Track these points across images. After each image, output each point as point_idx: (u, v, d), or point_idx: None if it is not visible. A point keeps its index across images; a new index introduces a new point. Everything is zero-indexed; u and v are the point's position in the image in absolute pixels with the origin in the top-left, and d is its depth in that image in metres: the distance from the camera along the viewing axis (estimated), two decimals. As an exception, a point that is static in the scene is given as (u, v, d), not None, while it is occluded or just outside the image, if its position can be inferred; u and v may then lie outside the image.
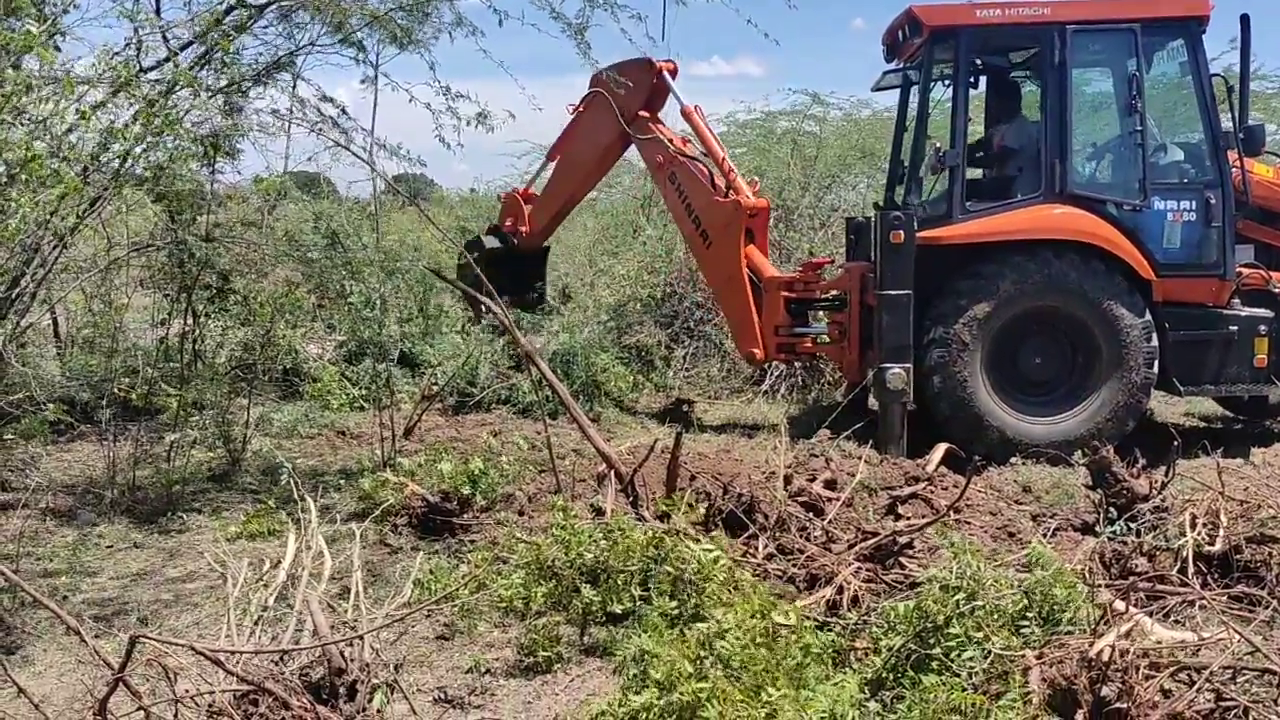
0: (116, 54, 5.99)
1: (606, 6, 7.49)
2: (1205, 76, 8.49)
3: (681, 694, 3.77)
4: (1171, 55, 8.89)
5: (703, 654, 4.06)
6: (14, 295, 5.64)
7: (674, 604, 4.86)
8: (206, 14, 6.51)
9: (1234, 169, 8.52)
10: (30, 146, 4.92)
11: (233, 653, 3.90)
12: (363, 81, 7.22)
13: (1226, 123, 8.56)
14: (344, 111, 7.13)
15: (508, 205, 11.89)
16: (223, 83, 6.59)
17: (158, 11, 6.63)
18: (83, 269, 7.31)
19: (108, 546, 6.58)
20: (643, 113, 10.35)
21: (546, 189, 11.63)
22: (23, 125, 5.10)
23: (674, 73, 10.28)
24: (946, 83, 9.26)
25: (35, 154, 4.90)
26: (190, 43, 6.59)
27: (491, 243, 11.60)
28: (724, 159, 10.17)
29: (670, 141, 10.30)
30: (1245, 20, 8.37)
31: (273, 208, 7.91)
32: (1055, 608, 4.45)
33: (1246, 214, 8.85)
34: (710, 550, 5.08)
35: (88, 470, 8.01)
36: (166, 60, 6.47)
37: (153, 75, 6.32)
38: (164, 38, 6.52)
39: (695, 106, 10.35)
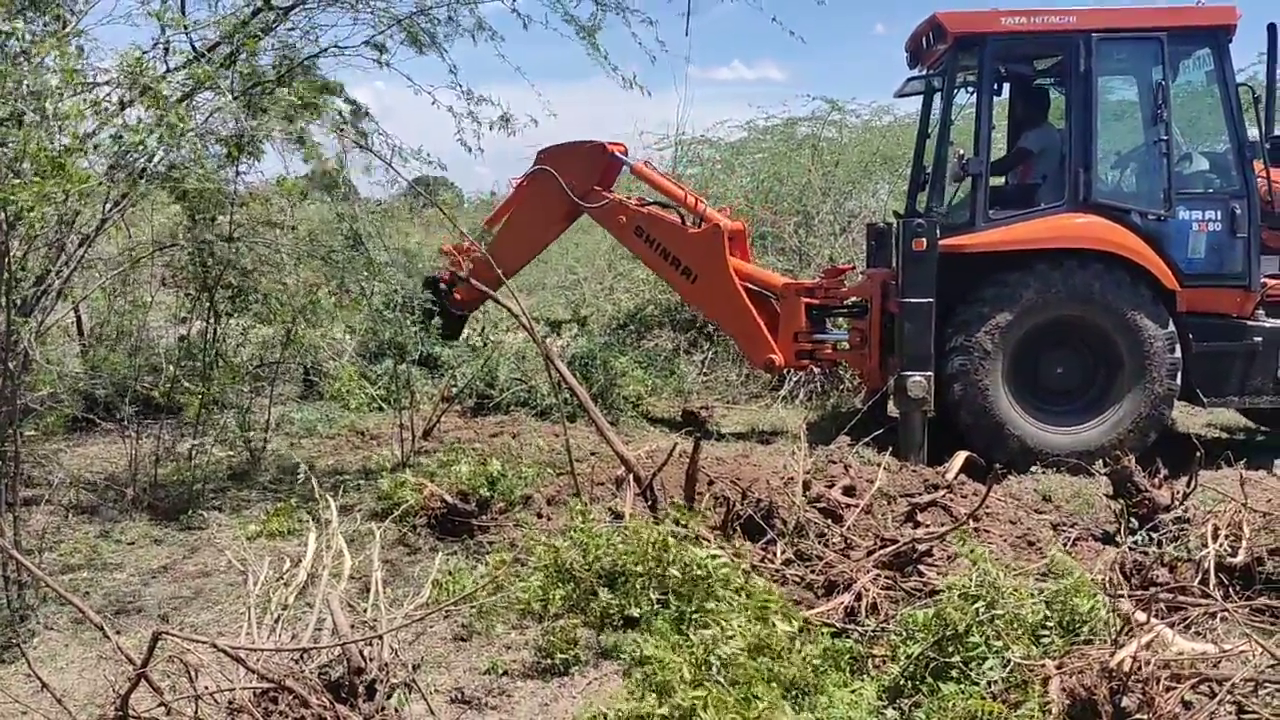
0: (144, 52, 6.02)
1: (618, 10, 7.50)
2: (1231, 86, 8.44)
3: (680, 701, 3.78)
4: (1197, 64, 8.84)
5: (709, 660, 4.06)
6: (40, 292, 5.67)
7: (690, 608, 4.86)
8: (232, 16, 6.54)
9: (1260, 179, 8.47)
10: (47, 145, 4.95)
11: (253, 650, 3.93)
12: (353, 112, 7.13)
13: (1253, 132, 8.52)
14: (366, 113, 7.14)
15: (448, 259, 11.12)
16: (247, 84, 6.61)
17: (182, 11, 6.66)
18: (106, 267, 7.35)
19: (129, 543, 6.62)
20: (596, 188, 10.37)
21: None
22: (45, 124, 5.12)
23: (625, 153, 10.44)
24: (970, 90, 9.24)
25: (55, 152, 4.94)
26: (216, 44, 6.62)
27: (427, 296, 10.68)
28: (685, 195, 10.30)
29: (627, 199, 10.47)
30: (1272, 29, 8.32)
31: (294, 205, 7.92)
32: (1075, 618, 4.44)
33: (1272, 224, 8.77)
34: (717, 556, 5.07)
35: (109, 467, 8.06)
36: (191, 62, 6.51)
37: (179, 76, 6.36)
38: (189, 39, 6.56)
39: (645, 161, 10.56)
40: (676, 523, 5.59)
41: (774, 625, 4.46)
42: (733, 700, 3.81)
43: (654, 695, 3.87)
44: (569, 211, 10.58)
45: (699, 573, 4.97)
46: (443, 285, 10.70)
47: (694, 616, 4.80)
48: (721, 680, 3.95)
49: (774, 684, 4.01)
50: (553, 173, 10.18)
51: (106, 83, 5.67)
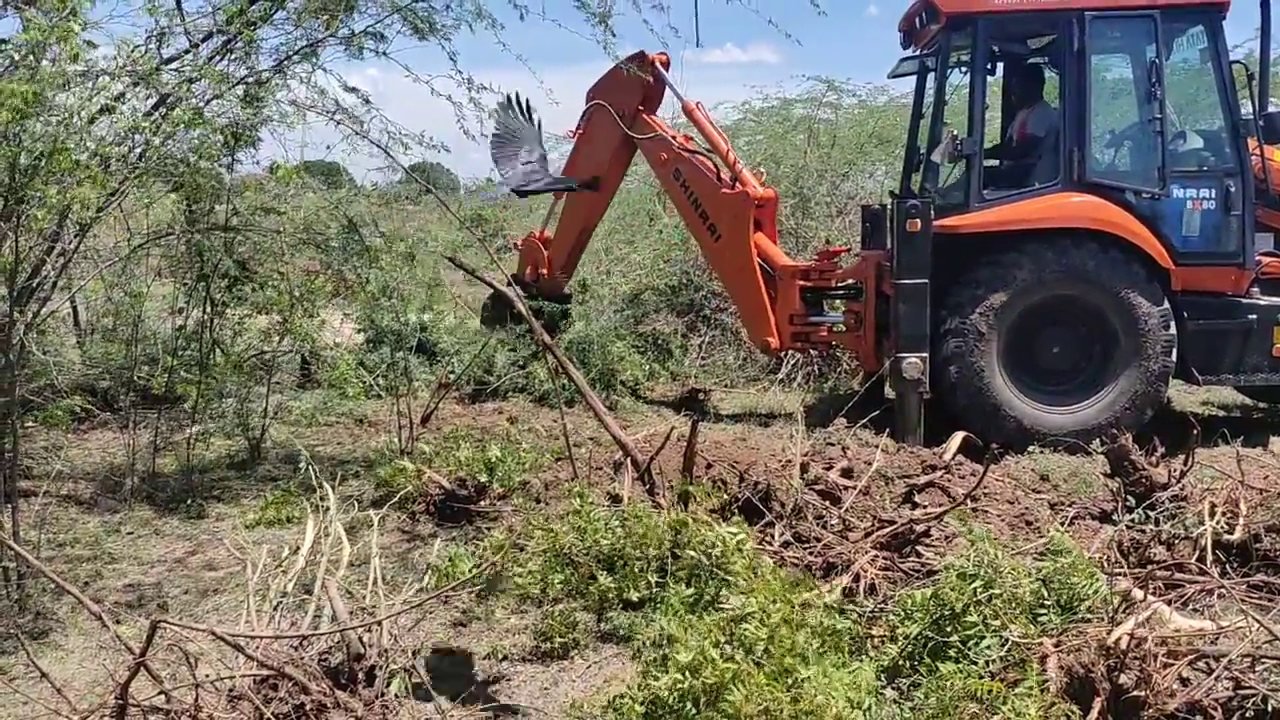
0: (138, 46, 6.01)
1: None
2: (1225, 63, 8.42)
3: (707, 677, 3.77)
4: (1191, 42, 8.82)
5: (722, 638, 4.06)
6: (36, 284, 5.67)
7: (690, 591, 4.87)
8: (231, 6, 6.51)
9: (1254, 157, 8.46)
10: (56, 138, 4.96)
11: (253, 638, 3.94)
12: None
13: (1246, 110, 8.51)
14: (367, 100, 7.13)
15: (528, 252, 11.65)
16: (242, 72, 6.60)
17: (179, 4, 6.65)
18: (103, 257, 7.35)
19: (129, 533, 6.63)
20: (640, 108, 10.33)
21: (560, 224, 11.44)
22: (50, 117, 5.12)
23: (666, 65, 10.27)
24: (963, 70, 9.22)
25: (62, 147, 4.94)
26: (211, 34, 6.60)
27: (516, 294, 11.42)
28: (728, 151, 10.14)
29: (673, 138, 10.32)
30: (1265, 5, 8.31)
31: (291, 195, 7.91)
32: (1073, 596, 4.45)
33: (1266, 202, 8.78)
34: (735, 533, 5.07)
35: (108, 458, 8.07)
36: (187, 52, 6.49)
37: (172, 66, 6.34)
38: (185, 30, 6.54)
39: (697, 103, 10.37)
40: (685, 504, 5.59)
41: (793, 601, 4.44)
42: (762, 675, 3.79)
43: (678, 672, 3.84)
44: (623, 143, 10.55)
45: (718, 551, 4.96)
46: (529, 278, 10.98)
47: (709, 597, 4.80)
48: (746, 658, 3.93)
49: (803, 656, 3.98)
50: (605, 106, 10.15)
51: (106, 74, 5.66)
